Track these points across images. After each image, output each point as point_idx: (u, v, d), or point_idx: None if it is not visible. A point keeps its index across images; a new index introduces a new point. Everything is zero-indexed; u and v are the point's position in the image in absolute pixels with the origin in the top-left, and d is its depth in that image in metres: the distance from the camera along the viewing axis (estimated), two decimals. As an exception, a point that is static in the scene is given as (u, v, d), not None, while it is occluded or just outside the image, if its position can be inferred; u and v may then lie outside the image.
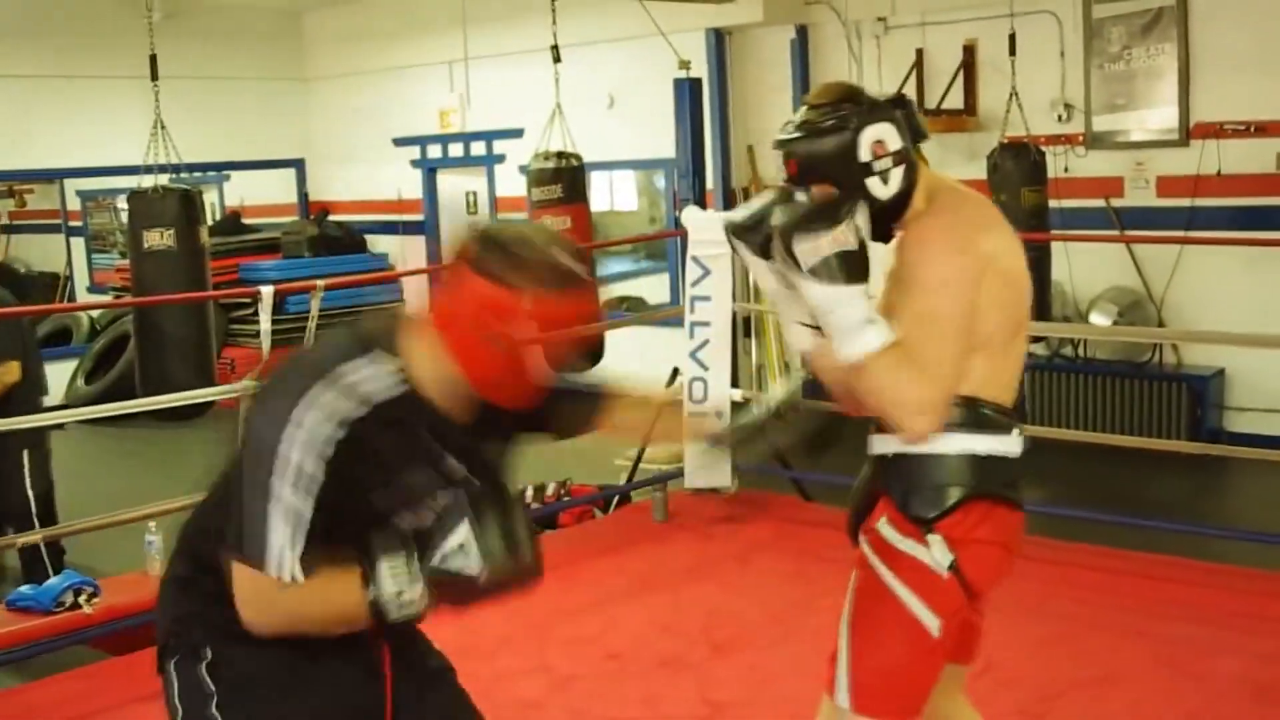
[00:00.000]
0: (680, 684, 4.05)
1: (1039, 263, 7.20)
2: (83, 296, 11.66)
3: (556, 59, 7.08)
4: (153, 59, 6.10)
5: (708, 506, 5.82)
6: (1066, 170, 7.89)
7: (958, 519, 2.26)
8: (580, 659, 4.27)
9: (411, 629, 2.17)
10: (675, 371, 6.11)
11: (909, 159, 2.28)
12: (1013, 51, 7.39)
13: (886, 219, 2.30)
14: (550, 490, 6.34)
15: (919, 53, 8.44)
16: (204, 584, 2.02)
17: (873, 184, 2.26)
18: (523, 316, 1.90)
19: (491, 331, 1.91)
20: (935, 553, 2.25)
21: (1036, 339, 7.63)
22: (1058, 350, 8.11)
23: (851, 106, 2.27)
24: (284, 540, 1.86)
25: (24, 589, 4.69)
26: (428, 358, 1.97)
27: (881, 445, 2.34)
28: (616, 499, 6.23)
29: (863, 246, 2.21)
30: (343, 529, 1.91)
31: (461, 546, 1.88)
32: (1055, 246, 7.36)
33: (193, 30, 10.27)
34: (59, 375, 9.19)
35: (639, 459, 6.29)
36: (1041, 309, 7.17)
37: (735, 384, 6.13)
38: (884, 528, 2.32)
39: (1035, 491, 5.21)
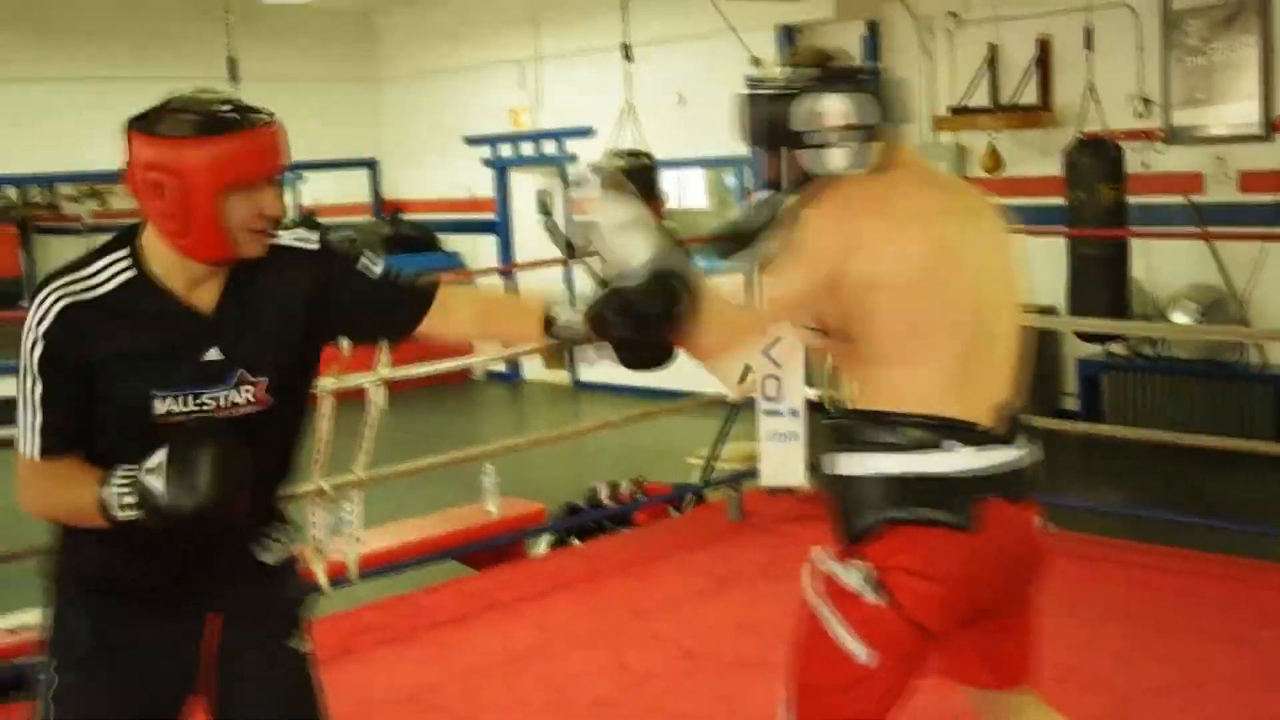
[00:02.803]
0: (757, 683, 4.02)
1: (1117, 260, 7.11)
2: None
3: (628, 57, 7.09)
4: (231, 61, 6.20)
5: (782, 506, 5.79)
6: (1145, 166, 7.75)
7: (874, 544, 2.11)
8: (656, 658, 4.27)
9: (263, 604, 2.12)
10: (747, 369, 6.08)
11: (857, 139, 2.12)
12: (1089, 46, 7.30)
13: None
14: (625, 489, 6.36)
15: (992, 48, 8.35)
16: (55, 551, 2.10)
17: (804, 155, 2.14)
18: (178, 162, 1.91)
19: (154, 182, 1.93)
20: (855, 577, 2.10)
21: (1113, 338, 7.53)
22: (1137, 349, 7.98)
23: (808, 73, 2.16)
24: (28, 423, 1.94)
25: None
26: (153, 236, 2.00)
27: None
28: (691, 498, 6.22)
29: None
30: (113, 427, 1.95)
31: (158, 466, 1.88)
32: (1134, 244, 7.26)
33: (265, 32, 10.40)
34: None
35: (713, 457, 6.28)
36: (1120, 307, 7.07)
37: (809, 382, 6.09)
38: (816, 550, 2.20)
39: (1115, 493, 5.20)
